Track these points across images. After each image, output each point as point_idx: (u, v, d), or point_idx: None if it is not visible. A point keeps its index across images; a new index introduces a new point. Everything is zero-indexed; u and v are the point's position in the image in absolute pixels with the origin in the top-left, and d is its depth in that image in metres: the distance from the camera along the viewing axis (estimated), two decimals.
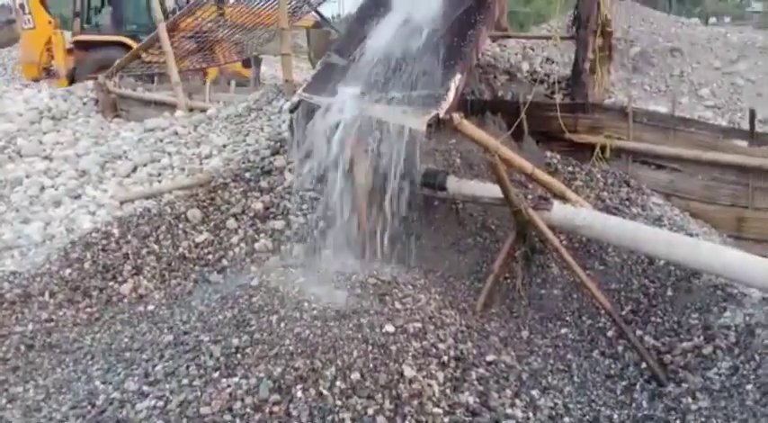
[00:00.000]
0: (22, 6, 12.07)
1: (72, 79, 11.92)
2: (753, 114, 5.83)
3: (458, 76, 4.35)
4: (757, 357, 3.71)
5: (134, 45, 11.11)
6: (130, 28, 12.48)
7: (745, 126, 5.86)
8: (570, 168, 5.96)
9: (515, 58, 8.57)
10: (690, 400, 3.51)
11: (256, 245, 5.12)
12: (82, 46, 12.19)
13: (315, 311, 3.39)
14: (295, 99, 4.90)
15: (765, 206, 5.52)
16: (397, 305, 3.59)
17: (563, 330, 4.37)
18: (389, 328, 3.34)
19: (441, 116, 4.11)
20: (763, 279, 3.51)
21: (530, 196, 4.70)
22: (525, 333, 4.31)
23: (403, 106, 4.32)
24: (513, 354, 3.89)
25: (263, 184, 5.64)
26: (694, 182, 5.80)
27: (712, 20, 24.32)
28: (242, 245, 5.15)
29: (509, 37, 7.60)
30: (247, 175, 5.72)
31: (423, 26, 4.77)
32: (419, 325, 3.49)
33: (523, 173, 4.88)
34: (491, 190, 4.56)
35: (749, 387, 3.51)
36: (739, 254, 4.00)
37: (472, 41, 4.67)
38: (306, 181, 5.31)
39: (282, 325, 3.29)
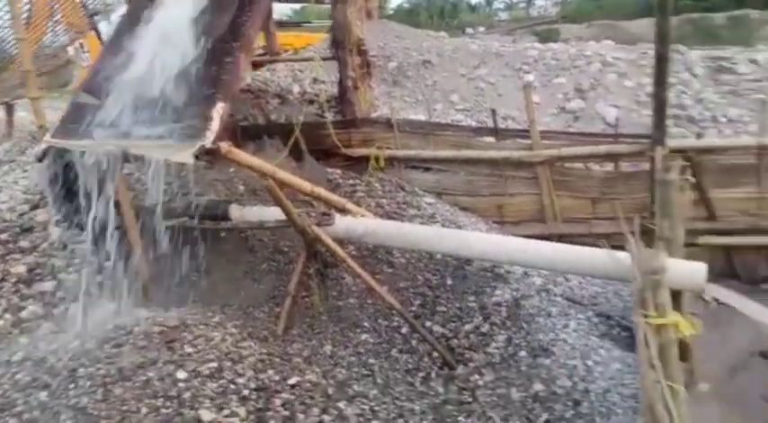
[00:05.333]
0: (81, 45, 11.30)
1: None
2: (494, 113, 6.67)
3: (220, 105, 4.28)
4: (525, 325, 4.24)
5: None
6: None
7: (491, 124, 6.64)
8: (350, 181, 6.23)
9: (285, 82, 8.74)
10: (477, 376, 3.88)
11: (23, 313, 4.54)
12: None
13: (93, 377, 3.08)
14: (43, 146, 4.43)
15: (517, 191, 6.33)
16: (188, 349, 3.42)
17: (363, 336, 4.53)
18: (181, 374, 3.17)
19: (207, 146, 4.01)
20: (521, 256, 3.97)
21: (313, 214, 4.80)
22: (329, 347, 4.38)
23: (166, 140, 4.14)
24: (317, 370, 3.94)
25: (25, 243, 5.07)
26: (457, 178, 6.45)
27: (469, 30, 26.91)
28: (6, 316, 4.53)
29: (275, 61, 7.71)
30: (4, 236, 5.10)
31: (176, 57, 4.62)
32: (215, 364, 3.37)
33: (303, 192, 4.97)
34: (275, 213, 4.57)
35: (522, 353, 4.00)
36: (497, 237, 4.54)
37: (231, 69, 4.64)
38: (72, 233, 4.83)
39: (56, 400, 2.94)
